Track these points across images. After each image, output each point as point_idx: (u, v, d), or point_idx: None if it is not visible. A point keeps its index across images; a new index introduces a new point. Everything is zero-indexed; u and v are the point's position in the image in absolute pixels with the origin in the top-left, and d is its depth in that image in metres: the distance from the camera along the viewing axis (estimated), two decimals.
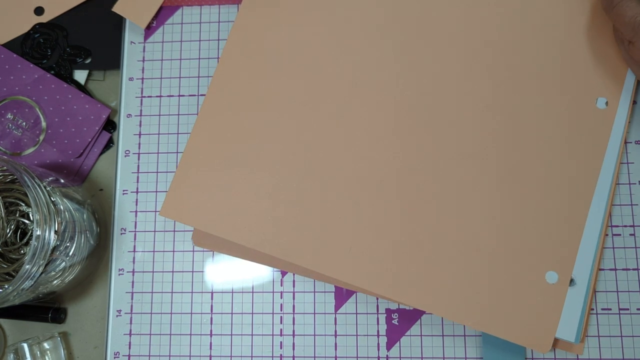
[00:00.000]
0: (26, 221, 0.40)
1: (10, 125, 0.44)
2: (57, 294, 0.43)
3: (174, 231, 0.43)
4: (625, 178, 0.41)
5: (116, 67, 0.46)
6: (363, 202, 0.38)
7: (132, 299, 0.42)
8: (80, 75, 0.46)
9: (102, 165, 0.45)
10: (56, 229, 0.35)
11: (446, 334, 0.40)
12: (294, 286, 0.41)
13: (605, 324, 0.39)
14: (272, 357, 0.41)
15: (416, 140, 0.39)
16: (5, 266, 0.39)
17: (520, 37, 0.41)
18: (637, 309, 0.39)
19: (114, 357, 0.41)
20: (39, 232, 0.34)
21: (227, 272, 0.42)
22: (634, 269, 0.40)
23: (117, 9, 0.45)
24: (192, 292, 0.42)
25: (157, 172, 0.44)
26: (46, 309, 0.42)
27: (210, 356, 0.41)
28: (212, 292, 0.42)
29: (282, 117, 0.40)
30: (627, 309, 0.39)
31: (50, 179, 0.38)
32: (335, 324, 0.41)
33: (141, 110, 0.45)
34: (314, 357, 0.40)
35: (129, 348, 0.41)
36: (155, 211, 0.43)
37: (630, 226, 0.40)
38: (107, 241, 0.43)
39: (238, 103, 0.41)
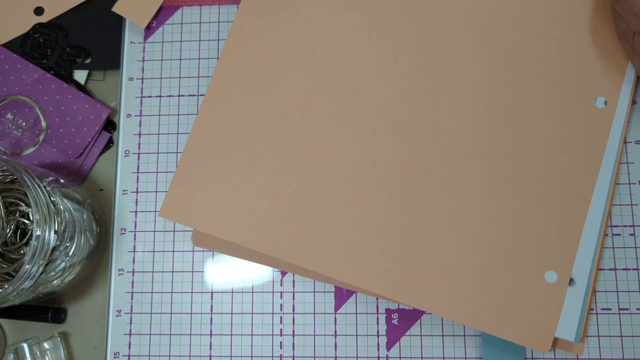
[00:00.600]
0: (26, 221, 0.40)
1: (10, 125, 0.44)
2: (57, 294, 0.43)
3: (174, 231, 0.43)
4: (625, 178, 0.41)
5: (116, 67, 0.46)
6: (362, 203, 0.38)
7: (132, 299, 0.42)
8: (80, 75, 0.46)
9: (102, 165, 0.45)
10: (56, 229, 0.35)
11: (446, 334, 0.40)
12: (294, 286, 0.41)
13: (605, 323, 0.39)
14: (272, 357, 0.41)
15: (415, 140, 0.39)
16: (5, 266, 0.39)
17: (519, 36, 0.41)
18: (637, 309, 0.39)
19: (114, 357, 0.41)
20: (39, 232, 0.34)
21: (227, 272, 0.42)
22: (634, 269, 0.40)
23: (117, 9, 0.45)
24: (192, 292, 0.42)
25: (157, 172, 0.44)
26: (46, 309, 0.42)
27: (210, 356, 0.41)
28: (212, 292, 0.42)
29: (281, 117, 0.40)
30: (627, 309, 0.39)
31: (50, 179, 0.38)
32: (335, 324, 0.41)
33: (141, 110, 0.45)
34: (314, 357, 0.40)
35: (129, 348, 0.41)
36: (155, 211, 0.43)
37: (630, 226, 0.40)
38: (107, 241, 0.43)
39: (237, 103, 0.41)
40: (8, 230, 0.39)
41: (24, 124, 0.44)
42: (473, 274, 0.37)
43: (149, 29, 0.46)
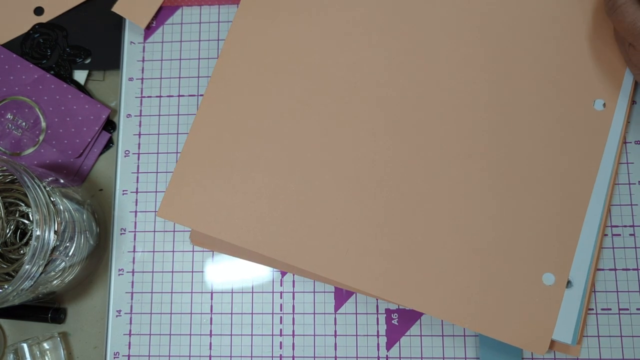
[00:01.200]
0: (26, 221, 0.40)
1: (10, 126, 0.44)
2: (57, 294, 0.43)
3: (174, 231, 0.43)
4: (624, 178, 0.41)
5: (116, 67, 0.46)
6: (361, 203, 0.38)
7: (132, 299, 0.42)
8: (80, 76, 0.46)
9: (102, 165, 0.45)
10: (56, 229, 0.36)
11: (446, 334, 0.40)
12: (293, 286, 0.41)
13: (604, 324, 0.39)
14: (272, 357, 0.41)
15: (414, 142, 0.39)
16: (5, 266, 0.39)
17: (518, 37, 0.41)
18: (637, 309, 0.39)
19: (114, 357, 0.41)
20: (38, 232, 0.34)
21: (227, 272, 0.42)
22: (633, 269, 0.40)
23: (117, 9, 0.45)
24: (192, 292, 0.42)
25: (156, 172, 0.44)
26: (46, 309, 0.42)
27: (210, 356, 0.41)
28: (211, 292, 0.42)
29: (280, 118, 0.40)
30: (627, 309, 0.39)
31: (50, 179, 0.38)
32: (335, 324, 0.41)
33: (141, 111, 0.45)
34: (314, 357, 0.40)
35: (129, 348, 0.41)
36: (155, 211, 0.43)
37: (630, 226, 0.40)
38: (106, 241, 0.43)
39: (236, 103, 0.41)
40: (8, 231, 0.39)
41: (23, 124, 0.44)
42: (471, 276, 0.37)
43: (149, 29, 0.46)
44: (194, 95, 0.45)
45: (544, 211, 0.38)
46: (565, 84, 0.40)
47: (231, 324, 0.41)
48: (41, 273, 0.35)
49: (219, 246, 0.41)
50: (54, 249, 0.36)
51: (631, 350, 0.39)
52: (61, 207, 0.37)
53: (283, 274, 0.42)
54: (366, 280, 0.37)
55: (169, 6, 0.46)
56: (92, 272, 0.43)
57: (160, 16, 0.46)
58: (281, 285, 0.42)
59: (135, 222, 0.43)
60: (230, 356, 0.41)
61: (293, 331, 0.41)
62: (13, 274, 0.39)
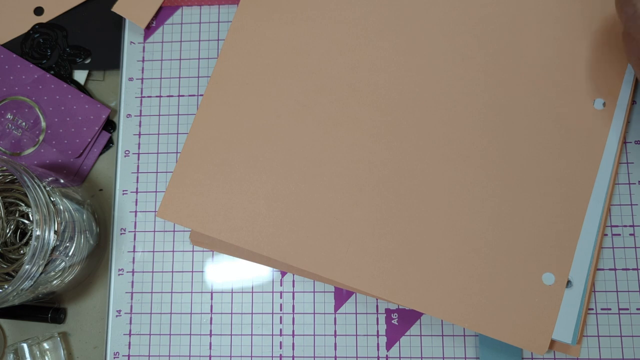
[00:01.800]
0: (26, 221, 0.40)
1: (10, 126, 0.44)
2: (57, 294, 0.43)
3: (174, 231, 0.43)
4: (624, 178, 0.41)
5: (116, 67, 0.46)
6: (360, 204, 0.38)
7: (131, 299, 0.42)
8: (80, 76, 0.46)
9: (102, 165, 0.45)
10: (56, 229, 0.36)
11: (446, 334, 0.40)
12: (293, 286, 0.41)
13: (604, 324, 0.39)
14: (272, 357, 0.41)
15: (413, 142, 0.39)
16: (5, 266, 0.39)
17: (518, 37, 0.41)
18: (637, 309, 0.39)
19: (114, 357, 0.41)
20: (38, 232, 0.34)
21: (227, 272, 0.42)
22: (633, 269, 0.40)
23: (117, 9, 0.45)
24: (191, 292, 0.42)
25: (156, 172, 0.44)
26: (46, 309, 0.42)
27: (210, 356, 0.41)
28: (211, 292, 0.42)
29: (279, 118, 0.40)
30: (627, 309, 0.39)
31: (50, 179, 0.38)
32: (335, 324, 0.41)
33: (141, 111, 0.45)
34: (314, 357, 0.40)
35: (129, 348, 0.41)
36: (155, 211, 0.43)
37: (630, 226, 0.40)
38: (106, 241, 0.43)
39: (235, 104, 0.41)
40: (8, 231, 0.39)
41: (23, 124, 0.44)
42: (470, 276, 0.37)
43: (149, 29, 0.46)
44: (194, 95, 0.45)
45: (544, 211, 0.38)
46: (565, 83, 0.40)
47: (231, 324, 0.41)
48: (41, 273, 0.35)
49: (218, 246, 0.41)
50: (54, 249, 0.36)
51: (631, 350, 0.39)
52: (61, 207, 0.37)
53: (283, 274, 0.42)
54: (366, 280, 0.37)
55: (169, 6, 0.46)
56: (92, 272, 0.43)
57: (160, 16, 0.46)
58: (281, 285, 0.42)
59: (135, 222, 0.43)
60: (230, 356, 0.41)
61: (293, 331, 0.41)
62: (13, 274, 0.39)
